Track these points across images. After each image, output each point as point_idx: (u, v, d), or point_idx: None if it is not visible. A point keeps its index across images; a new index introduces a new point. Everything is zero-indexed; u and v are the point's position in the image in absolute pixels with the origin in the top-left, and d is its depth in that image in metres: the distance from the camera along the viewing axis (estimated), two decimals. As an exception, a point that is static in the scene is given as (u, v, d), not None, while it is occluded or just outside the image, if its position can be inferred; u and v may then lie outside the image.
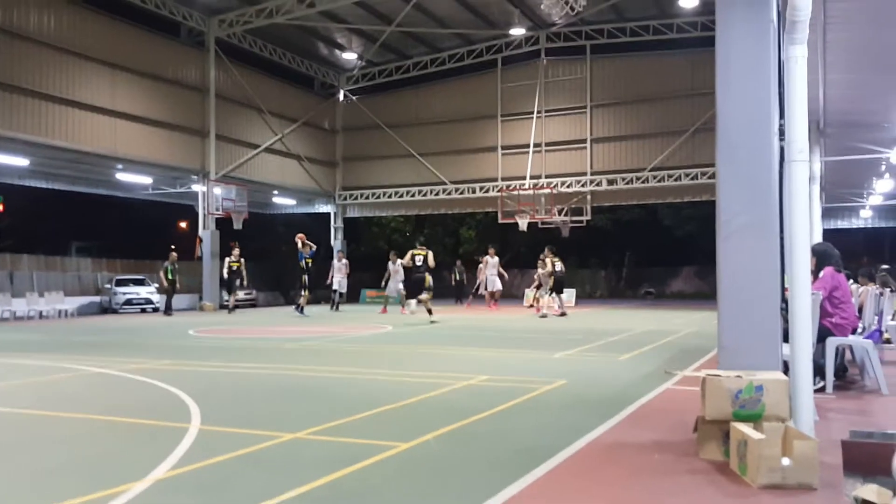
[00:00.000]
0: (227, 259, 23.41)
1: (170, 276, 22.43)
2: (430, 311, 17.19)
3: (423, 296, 16.92)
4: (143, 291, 25.80)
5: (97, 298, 26.46)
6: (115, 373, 8.80)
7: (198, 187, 26.59)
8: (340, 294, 24.62)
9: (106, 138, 22.87)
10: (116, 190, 29.03)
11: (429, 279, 16.99)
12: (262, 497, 3.78)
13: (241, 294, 29.08)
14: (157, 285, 26.68)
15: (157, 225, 44.76)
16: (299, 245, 21.44)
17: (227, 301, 24.49)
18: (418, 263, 16.89)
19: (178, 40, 26.20)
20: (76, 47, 22.04)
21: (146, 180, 27.17)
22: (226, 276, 23.59)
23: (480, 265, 25.23)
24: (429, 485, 4.13)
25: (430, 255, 17.05)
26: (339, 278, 24.52)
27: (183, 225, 45.72)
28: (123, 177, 26.10)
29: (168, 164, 25.25)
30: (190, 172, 26.46)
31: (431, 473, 4.35)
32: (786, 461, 3.87)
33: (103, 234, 43.97)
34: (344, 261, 24.86)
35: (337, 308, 24.14)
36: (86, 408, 6.58)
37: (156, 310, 25.36)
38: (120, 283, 26.02)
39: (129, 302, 25.25)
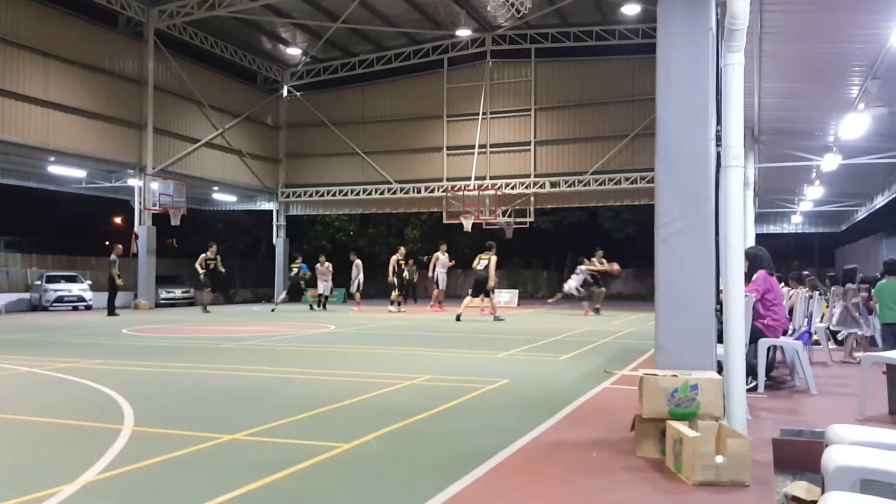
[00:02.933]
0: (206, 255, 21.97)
1: (118, 272, 20.77)
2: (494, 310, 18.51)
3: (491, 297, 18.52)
4: (76, 288, 25.00)
5: (27, 295, 25.56)
6: (46, 372, 8.49)
7: (134, 182, 25.87)
8: (325, 297, 24.63)
9: (38, 130, 22.05)
10: (48, 183, 28.02)
11: (489, 282, 18.20)
12: (198, 500, 3.69)
13: (178, 292, 28.51)
14: (90, 282, 25.89)
15: (90, 220, 43.50)
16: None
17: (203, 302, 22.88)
18: (479, 267, 18.24)
19: (116, 30, 25.45)
20: (7, 35, 21.17)
21: (80, 174, 26.27)
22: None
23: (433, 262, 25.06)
24: (370, 486, 4.10)
25: (493, 260, 18.15)
26: (323, 281, 24.39)
27: (118, 220, 44.52)
28: (56, 170, 25.19)
29: (103, 157, 24.48)
30: (126, 166, 25.72)
31: (372, 475, 4.32)
32: (719, 459, 3.96)
33: (34, 229, 42.53)
34: (327, 264, 24.58)
35: (323, 307, 24.19)
36: (14, 408, 6.33)
37: (88, 307, 24.59)
38: (51, 279, 25.17)
39: (60, 299, 24.44)
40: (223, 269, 22.72)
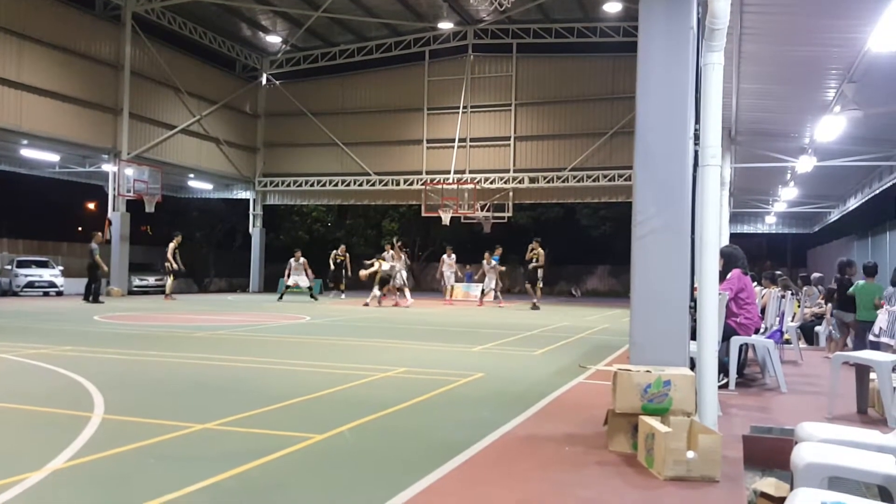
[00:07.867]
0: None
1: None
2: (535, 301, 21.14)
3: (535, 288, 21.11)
4: (47, 274, 24.67)
5: (-4, 280, 25.16)
6: (14, 358, 8.36)
7: (108, 167, 25.51)
8: (309, 288, 23.68)
9: (10, 112, 21.65)
10: (20, 167, 27.56)
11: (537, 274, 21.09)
12: (165, 490, 3.65)
13: (151, 280, 28.17)
14: (61, 268, 25.52)
15: (63, 205, 42.88)
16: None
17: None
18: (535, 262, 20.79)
19: (93, 13, 25.02)
20: (-21, 14, 20.79)
21: (53, 158, 25.88)
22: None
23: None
24: (341, 478, 4.08)
25: (541, 253, 21.17)
26: (296, 277, 23.48)
27: (91, 206, 43.96)
28: (28, 153, 24.80)
29: (77, 141, 24.10)
30: (100, 151, 25.35)
31: (344, 466, 4.30)
32: (691, 454, 3.99)
33: (5, 213, 41.83)
34: (302, 259, 23.60)
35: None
36: (-22, 395, 6.23)
37: (59, 293, 24.27)
38: (22, 264, 24.80)
39: (30, 284, 24.10)
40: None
